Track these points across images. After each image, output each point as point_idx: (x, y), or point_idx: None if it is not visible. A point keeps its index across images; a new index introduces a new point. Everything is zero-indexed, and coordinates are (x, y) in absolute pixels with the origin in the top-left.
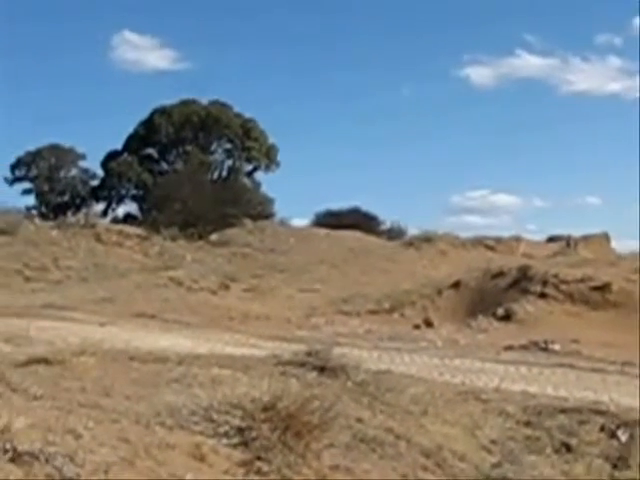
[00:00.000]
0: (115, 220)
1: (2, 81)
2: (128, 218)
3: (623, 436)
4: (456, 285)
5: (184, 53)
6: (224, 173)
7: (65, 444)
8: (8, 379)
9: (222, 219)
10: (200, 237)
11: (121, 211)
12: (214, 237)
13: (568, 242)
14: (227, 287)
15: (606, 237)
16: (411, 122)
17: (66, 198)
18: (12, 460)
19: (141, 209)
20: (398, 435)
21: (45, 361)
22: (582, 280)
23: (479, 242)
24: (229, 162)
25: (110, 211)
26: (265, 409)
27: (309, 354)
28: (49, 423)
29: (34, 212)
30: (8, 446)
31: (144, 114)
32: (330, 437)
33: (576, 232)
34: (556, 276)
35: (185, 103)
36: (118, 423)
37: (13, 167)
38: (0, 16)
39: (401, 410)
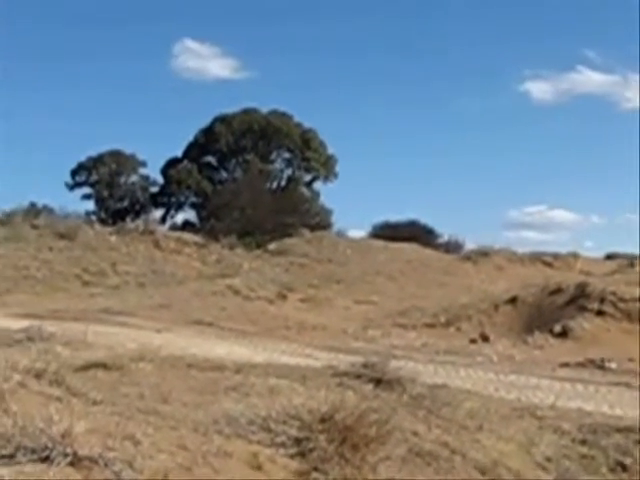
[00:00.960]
0: (173, 227)
1: (66, 86)
2: (186, 225)
3: None
4: (513, 300)
5: (245, 62)
6: (283, 183)
7: (124, 450)
8: (68, 383)
9: (280, 228)
10: (258, 246)
11: (180, 218)
12: (272, 246)
13: (632, 262)
14: (284, 297)
15: None
16: (470, 136)
17: (125, 204)
18: (72, 464)
19: (199, 217)
20: (453, 450)
21: (104, 366)
22: None
23: (536, 258)
24: (288, 172)
25: (169, 218)
26: (323, 420)
27: (366, 366)
28: (108, 428)
29: (93, 217)
30: (68, 450)
31: (205, 122)
32: (386, 450)
33: (634, 250)
34: (614, 294)
35: (246, 112)
36: (176, 430)
37: (74, 172)
38: (65, 25)
39: (457, 425)
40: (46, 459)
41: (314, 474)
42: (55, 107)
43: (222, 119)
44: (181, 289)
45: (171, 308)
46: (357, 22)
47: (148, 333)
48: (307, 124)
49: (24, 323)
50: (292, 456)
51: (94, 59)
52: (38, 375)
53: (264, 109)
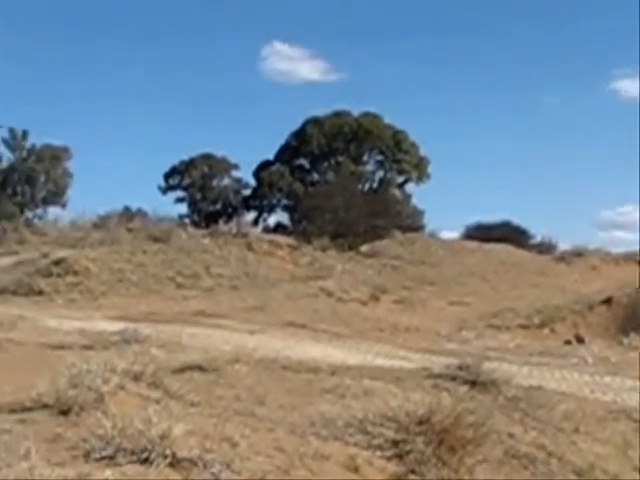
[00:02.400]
0: (266, 229)
1: (158, 92)
2: (279, 228)
3: None
4: (608, 301)
5: (335, 64)
6: (375, 184)
7: (222, 451)
8: (166, 385)
9: (372, 230)
10: (350, 248)
11: (272, 221)
12: (364, 248)
13: None
14: (377, 298)
15: None
16: (561, 136)
17: (218, 207)
18: (171, 465)
19: (292, 219)
20: (550, 452)
21: (200, 368)
22: None
23: (631, 258)
24: (380, 173)
25: (261, 221)
26: (420, 422)
27: (460, 368)
28: (206, 430)
29: (187, 220)
30: (167, 452)
31: (296, 125)
32: (483, 452)
33: None
34: None
35: (337, 114)
36: (273, 432)
37: (167, 176)
38: (160, 33)
39: (552, 427)
40: (145, 460)
41: (411, 476)
42: (148, 112)
43: (313, 121)
44: (274, 291)
45: (264, 310)
46: (446, 21)
47: (242, 335)
48: (398, 125)
49: (119, 325)
50: (389, 458)
51: (185, 65)
52: (136, 377)
53: (355, 111)
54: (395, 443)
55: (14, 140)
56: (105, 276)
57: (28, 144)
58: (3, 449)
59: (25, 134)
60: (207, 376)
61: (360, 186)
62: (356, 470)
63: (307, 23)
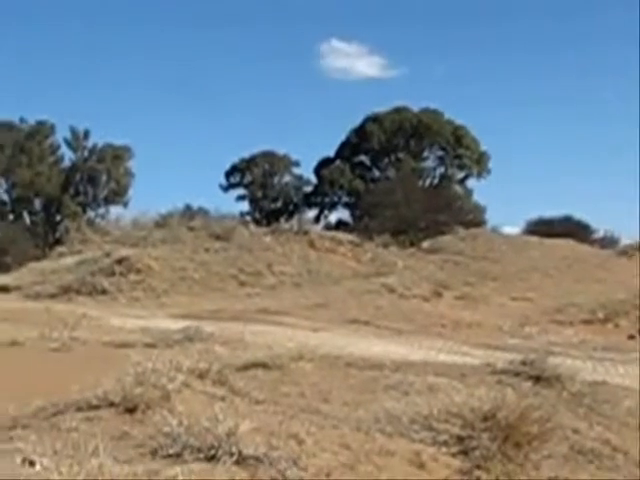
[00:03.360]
0: (327, 227)
1: (218, 90)
2: (340, 225)
3: None
4: None
5: (393, 60)
6: (435, 180)
7: (288, 448)
8: (231, 383)
9: (434, 226)
10: (412, 244)
11: (333, 217)
12: (426, 244)
13: None
14: (439, 294)
15: None
16: (621, 129)
17: (279, 204)
18: (237, 463)
19: (353, 216)
20: (615, 447)
21: (264, 365)
22: None
23: None
24: (441, 169)
25: (322, 217)
26: (485, 418)
27: (524, 363)
28: (272, 427)
29: (248, 218)
30: (234, 449)
31: (355, 121)
32: (548, 448)
33: None
34: None
35: (397, 110)
36: (339, 429)
37: (228, 174)
38: (220, 29)
39: (617, 422)
40: (212, 458)
41: (477, 472)
42: (209, 111)
43: (374, 118)
44: (336, 288)
45: (327, 307)
46: (508, 18)
47: (305, 332)
48: (459, 121)
49: (182, 324)
50: (454, 454)
51: (244, 62)
52: (201, 375)
53: (415, 107)
54: (460, 439)
55: (76, 140)
56: (167, 274)
57: (90, 144)
58: (71, 447)
59: (87, 134)
60: (271, 373)
61: (421, 182)
62: (422, 466)
63: (364, 19)
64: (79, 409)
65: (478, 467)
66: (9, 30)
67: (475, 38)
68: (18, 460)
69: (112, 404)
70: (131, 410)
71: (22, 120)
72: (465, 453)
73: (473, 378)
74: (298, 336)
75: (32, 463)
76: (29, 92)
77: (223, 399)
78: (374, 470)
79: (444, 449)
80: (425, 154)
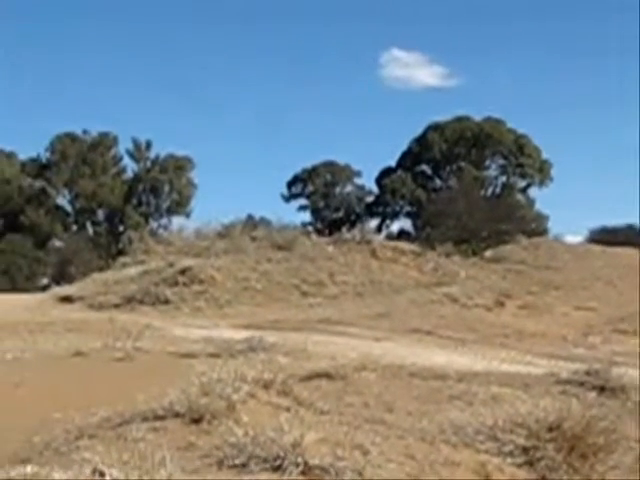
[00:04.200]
0: (389, 236)
1: (281, 102)
2: (402, 234)
3: None
4: None
5: (454, 69)
6: (497, 189)
7: (353, 459)
8: (295, 393)
9: (496, 235)
10: (474, 253)
11: (395, 227)
12: (488, 253)
13: None
14: (502, 304)
15: None
16: None
17: (341, 214)
18: (303, 473)
19: (415, 225)
20: None
21: (328, 376)
22: None
23: None
24: (503, 178)
25: (384, 227)
26: (550, 429)
27: (588, 373)
28: (337, 438)
29: (310, 228)
30: (300, 460)
31: (416, 131)
32: (614, 459)
33: None
34: None
35: (458, 119)
36: (403, 439)
37: (289, 184)
38: (274, 43)
39: None
40: (278, 468)
41: None
42: (270, 121)
43: (435, 127)
44: (399, 298)
45: (389, 317)
46: (569, 22)
47: (367, 342)
48: (520, 130)
49: (245, 334)
50: (520, 465)
51: (306, 73)
52: (266, 385)
53: (476, 116)
54: (525, 450)
55: (138, 151)
56: (230, 285)
57: (152, 155)
58: (138, 457)
59: (149, 145)
60: (335, 384)
61: (483, 191)
62: (487, 477)
63: (424, 29)
64: (145, 419)
65: (544, 478)
66: (72, 44)
67: (536, 46)
68: (87, 470)
69: (178, 414)
70: (197, 420)
71: (85, 132)
72: (531, 464)
73: (537, 388)
74: (361, 346)
75: (102, 473)
76: (92, 104)
77: (288, 409)
78: None
79: (509, 460)
80: (487, 163)
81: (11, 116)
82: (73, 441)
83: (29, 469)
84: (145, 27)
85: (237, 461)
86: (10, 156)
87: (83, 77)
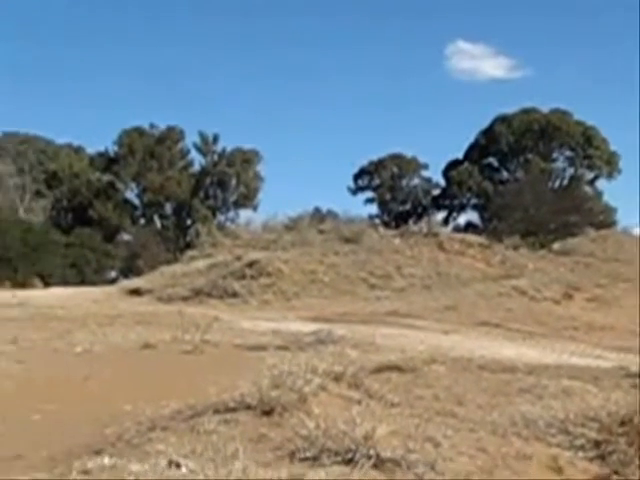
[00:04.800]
0: (456, 229)
1: (344, 95)
2: (469, 227)
3: None
4: None
5: (520, 61)
6: (565, 182)
7: (425, 452)
8: (366, 386)
9: (564, 228)
10: (542, 246)
11: (462, 220)
12: (556, 246)
13: None
14: (570, 297)
15: None
16: None
17: (408, 207)
18: (375, 466)
19: (482, 218)
20: None
21: (397, 368)
22: None
23: None
24: (570, 170)
25: (451, 220)
26: (622, 423)
27: None
28: (408, 430)
29: (377, 221)
30: (371, 452)
31: (482, 123)
32: None
33: None
34: None
35: (525, 111)
36: (475, 432)
37: (356, 177)
38: (343, 36)
39: None
40: (350, 461)
41: (614, 478)
42: (337, 114)
43: (502, 119)
44: (466, 291)
45: (457, 310)
46: (636, 12)
47: (435, 335)
48: (588, 121)
49: (313, 326)
50: (591, 459)
51: (373, 67)
52: (337, 378)
53: (543, 108)
54: (597, 444)
55: (205, 145)
56: (297, 277)
57: (219, 148)
58: (211, 449)
59: (216, 138)
60: (405, 376)
61: (550, 183)
62: (559, 471)
63: (490, 21)
64: (216, 411)
65: (616, 472)
66: (138, 40)
67: (603, 36)
68: (163, 462)
69: (249, 407)
70: (268, 413)
71: (152, 126)
72: (602, 458)
73: (607, 381)
74: (429, 339)
75: (178, 465)
76: (159, 98)
77: (359, 402)
78: (511, 474)
79: (581, 454)
80: (554, 155)
81: (80, 111)
82: (145, 433)
83: (106, 460)
84: (216, 20)
85: (309, 454)
86: (79, 150)
87: (150, 71)
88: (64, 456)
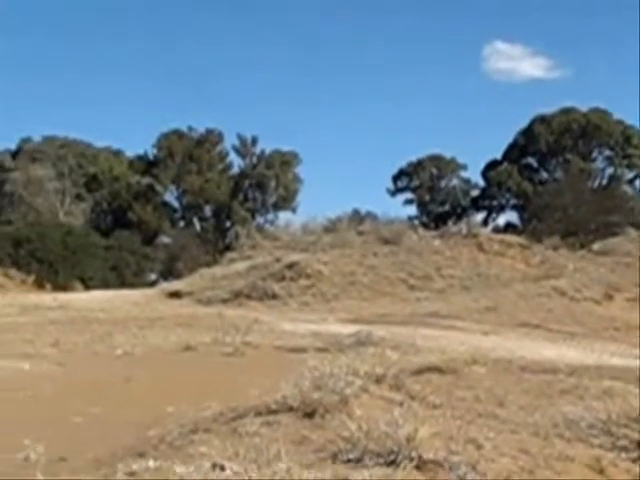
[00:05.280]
0: (496, 229)
1: (382, 96)
2: (508, 227)
3: None
4: None
5: (558, 60)
6: (604, 181)
7: (467, 453)
8: (407, 388)
9: (604, 228)
10: (582, 246)
11: (501, 220)
12: (596, 246)
13: None
14: (610, 297)
15: None
16: None
17: (447, 208)
18: (417, 468)
19: (521, 218)
20: None
21: (438, 370)
22: None
23: None
24: (610, 170)
25: (490, 220)
26: None
27: None
28: (450, 432)
29: (416, 222)
30: (414, 454)
31: (521, 123)
32: None
33: None
34: None
35: (565, 111)
36: (516, 434)
37: (395, 178)
38: (379, 37)
39: None
40: (392, 463)
41: None
42: (374, 116)
43: (541, 119)
44: (506, 291)
45: (497, 311)
46: None
47: (476, 336)
48: (628, 120)
49: (352, 328)
50: (634, 460)
51: (410, 68)
52: (378, 380)
53: (583, 107)
54: None
55: (244, 147)
56: (337, 279)
57: (258, 150)
58: (254, 451)
59: (254, 140)
60: (446, 378)
61: (590, 183)
62: (601, 472)
63: (527, 21)
64: (258, 414)
65: None
66: (177, 42)
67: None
68: (207, 464)
69: (291, 408)
70: (310, 415)
71: (191, 128)
72: None
73: None
74: (469, 340)
75: (222, 468)
76: (197, 101)
77: (400, 404)
78: (553, 475)
79: (624, 455)
80: (594, 155)
81: (119, 115)
82: (188, 435)
83: (151, 463)
84: (255, 21)
85: (351, 455)
86: (118, 154)
87: (189, 74)
88: (108, 458)
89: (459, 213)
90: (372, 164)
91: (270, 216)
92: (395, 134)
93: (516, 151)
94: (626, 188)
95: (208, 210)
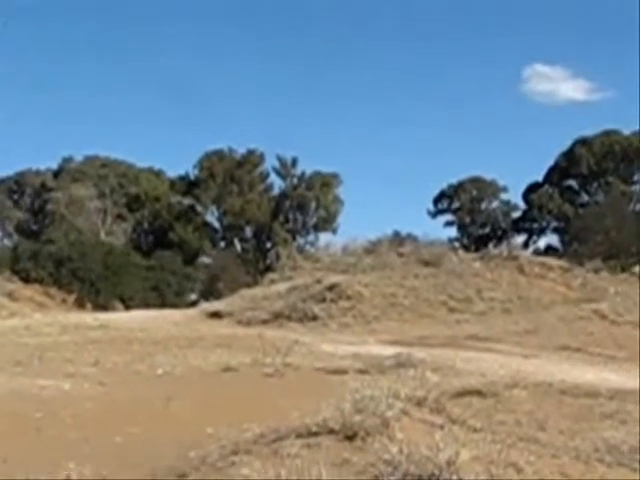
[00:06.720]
0: (536, 252)
1: (422, 118)
2: (549, 250)
3: None
4: None
5: (599, 83)
6: None
7: (508, 477)
8: (448, 411)
9: None
10: (623, 269)
11: (542, 243)
12: (638, 269)
13: None
14: None
15: None
16: None
17: (487, 230)
18: None
19: (562, 241)
20: None
21: (478, 393)
22: None
23: None
24: None
25: (531, 243)
26: None
27: None
28: (491, 456)
29: (456, 244)
30: (454, 477)
31: (561, 146)
32: None
33: None
34: None
35: (607, 133)
36: (557, 458)
37: (436, 200)
38: (424, 60)
39: None
40: None
41: None
42: (415, 137)
43: (582, 142)
44: (546, 314)
45: (537, 333)
46: None
47: (516, 359)
48: None
49: (393, 350)
50: None
51: (451, 90)
52: (419, 403)
53: (624, 130)
54: None
55: (284, 168)
56: (377, 301)
57: (298, 171)
58: (295, 473)
59: (295, 162)
60: (486, 401)
61: (631, 206)
62: None
63: (567, 43)
64: (299, 435)
65: None
66: (218, 64)
67: None
68: None
69: (332, 431)
70: (351, 437)
71: (231, 150)
72: None
73: None
74: (509, 363)
75: None
76: (238, 121)
77: (441, 427)
78: None
79: None
80: (635, 177)
81: (161, 135)
82: (228, 456)
83: None
84: (293, 43)
85: (392, 478)
86: (159, 174)
87: (230, 96)
88: (149, 478)
89: (499, 235)
90: (413, 186)
91: (311, 237)
92: (436, 156)
93: (557, 173)
94: None
95: (249, 231)
